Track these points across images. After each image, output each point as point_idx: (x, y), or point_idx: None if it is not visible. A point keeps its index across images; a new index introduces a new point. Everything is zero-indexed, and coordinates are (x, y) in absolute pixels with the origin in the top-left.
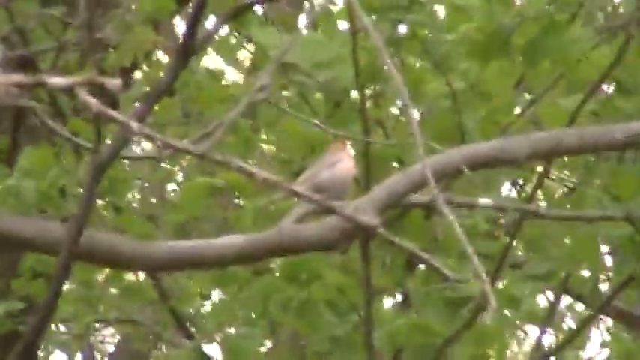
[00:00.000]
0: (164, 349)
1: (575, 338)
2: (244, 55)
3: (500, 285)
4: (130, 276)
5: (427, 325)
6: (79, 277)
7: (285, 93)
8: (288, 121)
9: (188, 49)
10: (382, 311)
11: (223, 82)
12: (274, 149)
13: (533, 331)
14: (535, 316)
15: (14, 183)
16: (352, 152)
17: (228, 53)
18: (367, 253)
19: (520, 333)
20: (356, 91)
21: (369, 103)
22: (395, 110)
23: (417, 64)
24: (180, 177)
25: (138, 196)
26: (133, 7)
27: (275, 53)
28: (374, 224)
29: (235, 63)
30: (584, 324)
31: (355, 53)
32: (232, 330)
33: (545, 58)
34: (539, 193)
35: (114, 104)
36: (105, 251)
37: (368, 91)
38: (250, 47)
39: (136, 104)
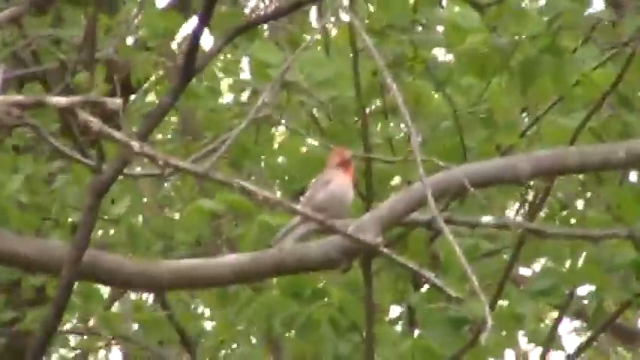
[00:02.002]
0: None
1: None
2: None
3: (503, 303)
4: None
5: (430, 347)
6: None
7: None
8: (290, 141)
9: (189, 70)
10: (385, 330)
11: (221, 100)
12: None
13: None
14: (538, 337)
15: None
16: (349, 160)
17: (230, 71)
18: (368, 272)
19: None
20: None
21: (373, 120)
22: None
23: (418, 83)
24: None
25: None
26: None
27: (275, 71)
28: (375, 243)
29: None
30: (587, 343)
31: (356, 73)
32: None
33: (541, 77)
34: (542, 211)
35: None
36: (107, 270)
37: (368, 109)
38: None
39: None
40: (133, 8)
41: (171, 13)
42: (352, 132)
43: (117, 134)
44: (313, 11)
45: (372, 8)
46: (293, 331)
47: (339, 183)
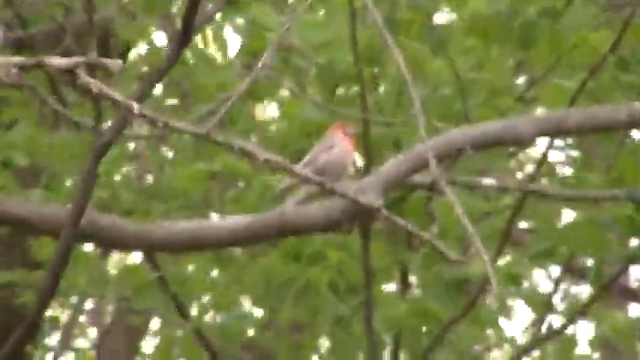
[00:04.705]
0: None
1: (579, 318)
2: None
3: (501, 263)
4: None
5: (428, 309)
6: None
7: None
8: (287, 104)
9: (187, 34)
10: (383, 293)
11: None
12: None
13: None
14: (536, 300)
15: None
16: (352, 133)
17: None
18: (366, 234)
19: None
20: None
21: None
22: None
23: (416, 46)
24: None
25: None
26: None
27: (273, 35)
28: (375, 205)
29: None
30: (590, 303)
31: (353, 33)
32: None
33: (540, 41)
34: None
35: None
36: (106, 232)
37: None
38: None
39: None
40: None
41: None
42: (347, 98)
43: (117, 95)
44: None
45: None
46: (291, 295)
47: (342, 148)
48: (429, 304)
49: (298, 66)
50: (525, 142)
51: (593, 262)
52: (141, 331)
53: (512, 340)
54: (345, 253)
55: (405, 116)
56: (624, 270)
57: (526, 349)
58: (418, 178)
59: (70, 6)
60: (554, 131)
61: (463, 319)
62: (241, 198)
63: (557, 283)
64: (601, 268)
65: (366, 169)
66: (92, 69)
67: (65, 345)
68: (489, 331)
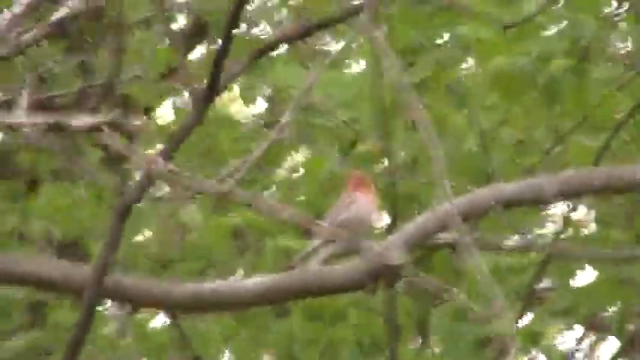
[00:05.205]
0: None
1: None
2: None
3: (525, 321)
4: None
5: None
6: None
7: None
8: (308, 159)
9: (212, 91)
10: (405, 350)
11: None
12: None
13: None
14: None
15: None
16: (366, 182)
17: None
18: (391, 292)
19: None
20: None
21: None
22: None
23: (441, 104)
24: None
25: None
26: None
27: (296, 93)
28: (400, 264)
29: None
30: (615, 357)
31: (379, 90)
32: None
33: (564, 98)
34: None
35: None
36: (129, 291)
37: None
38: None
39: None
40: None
41: (170, 51)
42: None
43: (141, 153)
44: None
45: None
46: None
47: (362, 203)
48: None
49: (318, 124)
50: (549, 201)
51: (615, 317)
52: None
53: None
54: (368, 312)
55: (425, 173)
56: None
57: None
58: (443, 235)
59: (92, 67)
60: (579, 191)
61: None
62: (259, 262)
63: (579, 341)
64: (623, 324)
65: (392, 227)
66: (115, 129)
67: None
68: None
